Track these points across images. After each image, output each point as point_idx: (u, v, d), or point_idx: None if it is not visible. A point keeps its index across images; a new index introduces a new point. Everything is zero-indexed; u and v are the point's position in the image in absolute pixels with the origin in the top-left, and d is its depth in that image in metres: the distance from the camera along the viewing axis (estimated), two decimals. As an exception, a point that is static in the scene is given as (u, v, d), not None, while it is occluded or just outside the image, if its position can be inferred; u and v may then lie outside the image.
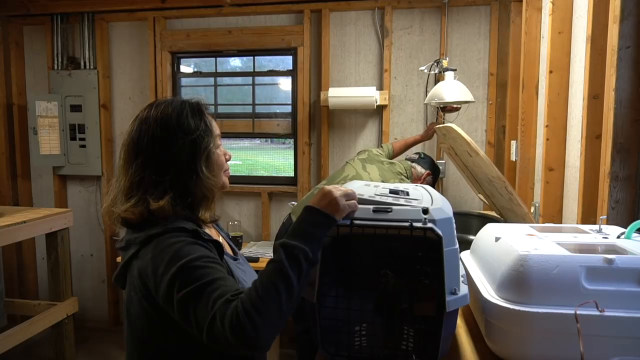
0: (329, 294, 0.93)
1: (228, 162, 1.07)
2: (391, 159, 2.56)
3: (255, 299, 0.78)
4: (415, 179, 2.45)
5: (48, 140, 3.27)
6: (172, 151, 0.94)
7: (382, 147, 2.64)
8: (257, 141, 3.39)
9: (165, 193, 0.93)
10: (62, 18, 3.26)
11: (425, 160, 2.54)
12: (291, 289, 0.80)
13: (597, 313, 0.81)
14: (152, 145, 0.94)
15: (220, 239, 1.10)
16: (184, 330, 0.87)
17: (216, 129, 1.03)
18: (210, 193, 0.99)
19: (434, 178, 2.55)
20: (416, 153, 2.58)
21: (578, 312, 0.80)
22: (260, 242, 3.12)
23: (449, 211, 0.92)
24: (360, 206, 0.91)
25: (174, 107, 0.98)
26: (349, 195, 0.89)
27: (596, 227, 1.10)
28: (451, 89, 2.42)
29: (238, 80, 3.31)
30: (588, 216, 1.55)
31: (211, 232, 1.08)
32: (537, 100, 2.25)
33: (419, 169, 2.48)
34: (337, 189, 0.89)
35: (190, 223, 0.95)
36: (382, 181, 2.22)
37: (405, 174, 2.38)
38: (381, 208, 0.90)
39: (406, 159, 2.55)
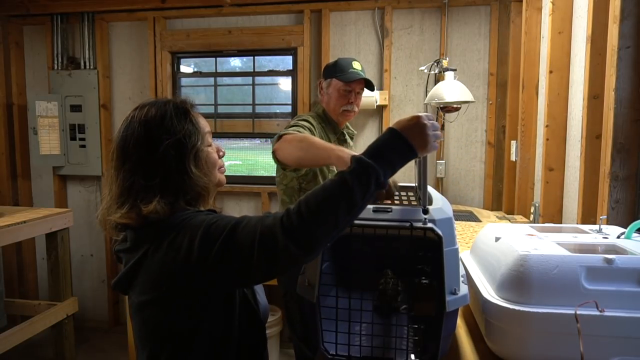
0: (329, 294, 0.94)
1: (222, 159, 1.05)
2: None
3: (312, 204, 0.75)
4: (322, 101, 1.97)
5: (48, 140, 3.27)
6: (157, 153, 0.92)
7: None
8: (257, 141, 3.39)
9: (155, 196, 0.91)
10: (62, 18, 3.26)
11: (324, 69, 2.01)
12: (352, 204, 0.76)
13: (597, 313, 0.81)
14: (138, 150, 0.92)
15: None
16: (201, 328, 0.86)
17: (205, 127, 1.00)
18: (205, 191, 0.98)
19: (335, 74, 1.90)
20: None
21: (578, 312, 0.80)
22: (260, 242, 3.11)
23: (449, 211, 0.92)
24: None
25: (157, 108, 0.96)
26: (438, 136, 0.86)
27: (596, 227, 1.10)
28: (451, 89, 2.42)
29: (238, 80, 3.31)
30: (588, 216, 1.55)
31: None
32: (537, 100, 2.25)
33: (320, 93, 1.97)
34: (431, 124, 0.84)
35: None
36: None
37: (309, 114, 1.94)
38: (381, 208, 0.90)
39: None
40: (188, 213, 0.91)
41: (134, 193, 0.91)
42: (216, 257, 0.81)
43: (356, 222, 0.88)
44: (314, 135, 1.76)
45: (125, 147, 0.94)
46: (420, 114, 0.84)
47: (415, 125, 0.82)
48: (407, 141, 0.81)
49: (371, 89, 1.99)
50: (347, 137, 2.05)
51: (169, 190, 0.92)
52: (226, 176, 1.08)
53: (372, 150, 0.81)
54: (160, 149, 0.92)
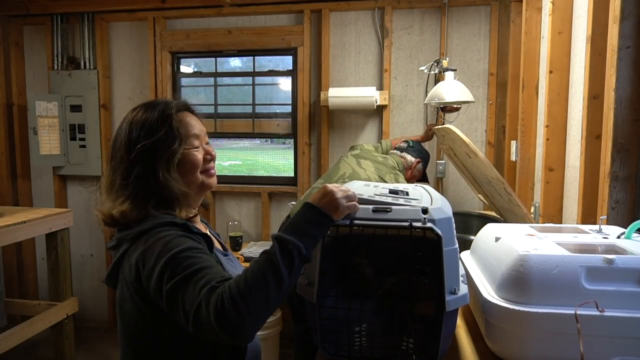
0: (329, 294, 0.94)
1: (213, 162, 1.06)
2: (386, 154, 2.56)
3: (242, 287, 0.78)
4: (406, 169, 2.48)
5: (48, 140, 3.26)
6: (133, 154, 0.96)
7: (380, 142, 2.65)
8: (257, 141, 3.39)
9: (129, 197, 0.95)
10: (62, 18, 3.26)
11: (414, 148, 2.56)
12: (280, 282, 0.79)
13: (597, 313, 0.81)
14: (120, 149, 0.98)
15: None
16: (177, 325, 0.87)
17: (192, 129, 1.01)
18: (182, 195, 0.98)
19: (425, 164, 2.58)
20: (405, 141, 2.59)
21: (578, 312, 0.80)
22: (260, 242, 3.12)
23: (448, 211, 0.92)
24: (360, 206, 0.91)
25: (144, 111, 1.00)
26: (350, 197, 0.90)
27: (596, 227, 1.10)
28: (451, 89, 2.42)
29: (238, 80, 3.31)
30: (588, 216, 1.55)
31: (200, 227, 1.09)
32: (537, 100, 2.24)
33: (409, 158, 2.49)
34: (339, 190, 0.89)
35: (178, 218, 0.96)
36: (379, 177, 2.24)
37: (398, 167, 2.41)
38: (381, 208, 0.90)
39: (395, 149, 2.58)
40: (164, 221, 0.93)
41: (114, 190, 0.97)
42: (166, 297, 0.84)
43: (356, 222, 0.88)
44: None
45: (113, 146, 1.00)
46: (327, 185, 0.90)
47: (325, 194, 0.88)
48: (319, 210, 0.86)
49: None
50: None
51: (141, 192, 0.96)
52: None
53: (289, 226, 0.86)
54: (134, 150, 0.96)
